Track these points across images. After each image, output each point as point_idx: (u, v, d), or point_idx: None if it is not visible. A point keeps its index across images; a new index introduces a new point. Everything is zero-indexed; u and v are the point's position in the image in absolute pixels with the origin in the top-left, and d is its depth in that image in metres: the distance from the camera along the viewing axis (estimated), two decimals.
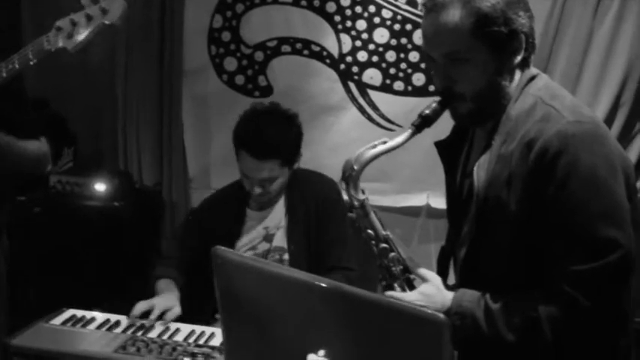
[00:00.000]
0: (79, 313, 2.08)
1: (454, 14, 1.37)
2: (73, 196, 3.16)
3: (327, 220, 2.33)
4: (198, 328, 2.04)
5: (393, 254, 1.53)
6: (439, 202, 3.07)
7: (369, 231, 1.54)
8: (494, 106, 1.46)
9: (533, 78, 1.48)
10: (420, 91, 3.13)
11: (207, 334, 2.01)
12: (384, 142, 1.49)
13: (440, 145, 1.64)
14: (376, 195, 3.15)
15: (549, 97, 1.43)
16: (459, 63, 1.41)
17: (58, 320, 2.03)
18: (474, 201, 1.45)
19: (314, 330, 1.15)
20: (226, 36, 3.27)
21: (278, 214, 2.38)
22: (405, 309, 1.00)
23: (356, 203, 1.53)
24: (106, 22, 1.76)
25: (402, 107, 3.15)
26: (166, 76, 3.30)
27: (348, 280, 2.20)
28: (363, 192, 1.53)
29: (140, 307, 2.10)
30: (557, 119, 1.36)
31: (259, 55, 3.26)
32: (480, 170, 1.44)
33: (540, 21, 2.84)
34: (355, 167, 1.49)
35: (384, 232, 1.54)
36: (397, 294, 1.51)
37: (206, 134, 3.40)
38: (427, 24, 1.43)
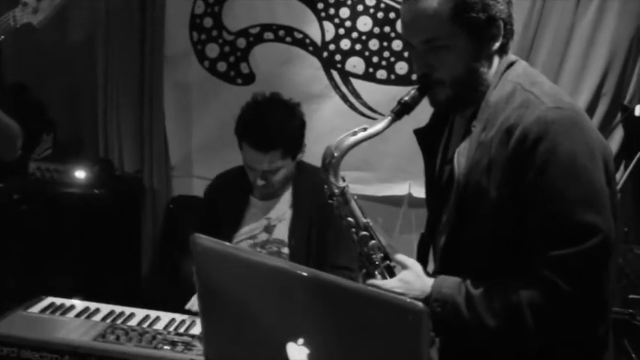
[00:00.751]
0: (58, 301, 2.06)
1: (432, 1, 1.37)
2: (53, 183, 3.14)
3: (331, 219, 2.31)
4: (179, 317, 2.03)
5: (373, 242, 1.53)
6: (421, 192, 3.04)
7: (350, 219, 1.53)
8: (472, 92, 1.46)
9: (511, 64, 1.48)
10: (403, 80, 3.13)
11: (188, 322, 2.00)
12: (364, 129, 1.48)
13: (419, 133, 1.65)
14: (358, 184, 3.16)
15: (529, 83, 1.43)
16: (438, 49, 1.41)
17: (36, 308, 2.01)
18: (454, 188, 1.45)
19: (293, 318, 1.15)
20: (208, 22, 3.24)
21: (282, 207, 2.36)
22: (383, 298, 1.00)
23: (336, 191, 1.52)
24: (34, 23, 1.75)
25: (384, 96, 3.14)
26: (147, 62, 3.27)
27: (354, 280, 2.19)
28: (344, 179, 1.53)
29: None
30: (537, 105, 1.36)
31: (241, 42, 3.24)
32: (461, 157, 1.44)
33: (523, 12, 2.84)
34: (335, 154, 1.48)
35: (364, 220, 1.53)
36: (377, 281, 1.51)
37: (188, 121, 3.38)
38: (406, 10, 1.43)
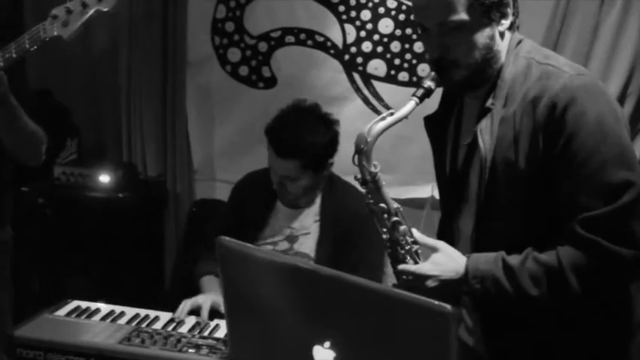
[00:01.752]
0: (84, 304, 2.08)
1: None
2: (77, 187, 3.16)
3: (356, 236, 2.24)
4: (203, 320, 2.03)
5: (403, 227, 1.53)
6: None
7: (382, 204, 1.52)
8: (487, 70, 1.50)
9: (520, 42, 1.52)
10: None
11: (212, 325, 2.01)
12: (392, 114, 1.49)
13: (428, 120, 1.67)
14: None
15: (542, 57, 1.48)
16: (453, 30, 1.43)
17: (62, 311, 2.03)
18: (483, 165, 1.47)
19: (320, 321, 1.14)
20: (230, 26, 3.25)
21: (309, 219, 2.32)
22: (411, 300, 0.99)
23: (368, 177, 1.52)
24: (102, 10, 1.75)
25: (406, 98, 3.10)
26: (170, 66, 3.28)
27: None
28: (375, 166, 1.52)
29: (186, 307, 2.09)
30: (559, 75, 1.41)
31: (263, 46, 3.24)
32: (484, 135, 1.47)
33: (546, 13, 2.82)
34: (368, 140, 1.48)
35: (395, 206, 1.53)
36: (409, 266, 1.50)
37: (210, 125, 3.39)
38: None
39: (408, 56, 3.10)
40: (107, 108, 3.52)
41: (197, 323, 2.02)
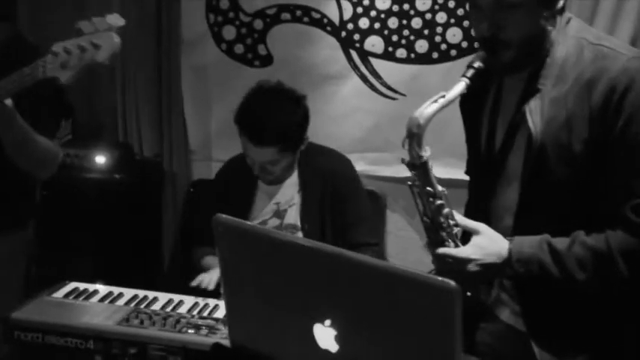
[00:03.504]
0: (82, 285, 2.06)
1: None
2: (73, 168, 3.13)
3: (345, 199, 2.29)
4: (202, 300, 2.02)
5: (446, 210, 1.50)
6: (442, 172, 2.99)
7: (429, 188, 1.49)
8: (539, 52, 1.46)
9: (569, 20, 1.48)
10: (422, 59, 3.07)
11: (212, 305, 1.99)
12: (443, 96, 1.45)
13: (462, 99, 1.60)
14: (379, 165, 3.14)
15: (594, 37, 1.45)
16: (508, 9, 1.39)
17: (60, 293, 2.01)
18: (532, 145, 1.44)
19: (320, 299, 1.13)
20: (224, 4, 3.21)
21: (290, 190, 2.34)
22: (414, 276, 0.97)
23: (417, 162, 1.48)
24: (97, 60, 1.71)
25: (404, 75, 3.10)
26: (164, 45, 3.25)
27: (377, 255, 2.17)
28: (426, 150, 1.48)
29: (213, 278, 2.13)
30: (616, 57, 1.39)
31: (258, 23, 3.20)
32: (534, 115, 1.44)
33: None
34: (421, 122, 1.43)
35: (440, 189, 1.50)
36: (450, 250, 1.49)
37: (206, 104, 3.35)
38: None
39: (405, 32, 3.06)
40: (102, 88, 3.48)
41: (196, 303, 2.00)
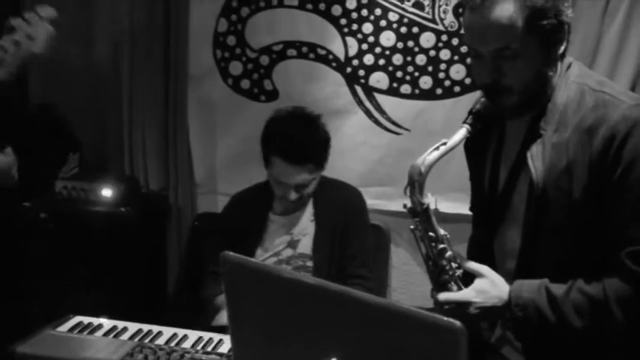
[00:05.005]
0: (86, 319, 2.06)
1: (508, 9, 1.37)
2: (80, 201, 3.15)
3: (353, 230, 2.32)
4: (206, 335, 2.01)
5: (449, 253, 1.53)
6: (447, 207, 3.04)
7: (431, 233, 1.53)
8: (540, 97, 1.48)
9: (569, 65, 1.50)
10: (426, 95, 3.11)
11: (216, 340, 1.98)
12: (444, 144, 1.48)
13: (467, 141, 1.62)
14: (383, 199, 3.15)
15: (595, 83, 1.46)
16: (510, 57, 1.40)
17: (64, 327, 2.01)
18: (534, 190, 1.45)
19: (325, 337, 1.13)
20: (231, 40, 3.26)
21: (304, 221, 2.36)
22: (419, 316, 0.97)
23: (419, 209, 1.52)
24: (34, 51, 1.73)
25: (409, 110, 3.13)
26: (172, 80, 3.29)
27: (366, 290, 2.18)
28: (428, 196, 1.53)
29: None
30: (617, 104, 1.40)
31: (265, 59, 3.24)
32: (535, 160, 1.46)
33: None
34: (422, 170, 1.47)
35: (442, 233, 1.53)
36: (451, 294, 1.51)
37: (212, 138, 3.38)
38: (476, 18, 1.41)
39: (410, 69, 3.10)
40: (109, 122, 3.51)
41: (200, 338, 2.00)
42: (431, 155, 1.47)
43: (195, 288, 2.46)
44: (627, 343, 1.47)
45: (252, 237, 2.35)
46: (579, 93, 1.45)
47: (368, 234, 2.39)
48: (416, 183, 1.49)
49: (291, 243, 2.35)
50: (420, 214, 1.52)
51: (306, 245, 2.34)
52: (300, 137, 2.18)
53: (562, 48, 1.45)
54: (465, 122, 1.48)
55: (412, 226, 1.55)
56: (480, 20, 1.39)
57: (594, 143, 1.38)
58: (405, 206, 1.53)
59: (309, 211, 2.37)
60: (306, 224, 2.35)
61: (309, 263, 2.32)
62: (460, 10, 1.51)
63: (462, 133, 1.48)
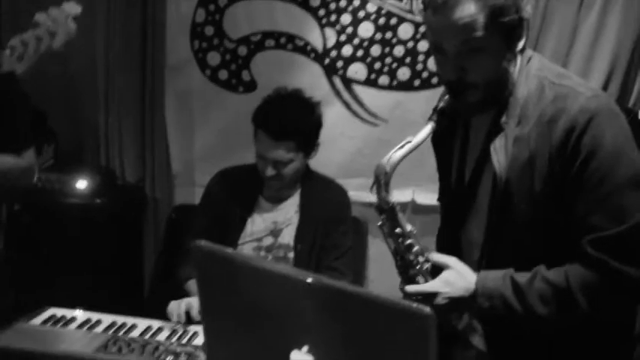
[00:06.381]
0: (60, 312, 2.04)
1: (469, 8, 1.38)
2: (55, 193, 3.11)
3: (334, 224, 2.36)
4: (181, 327, 2.01)
5: (416, 248, 1.56)
6: (424, 198, 3.06)
7: (397, 230, 1.56)
8: (502, 92, 1.50)
9: (529, 59, 1.52)
10: (405, 86, 3.11)
11: (190, 332, 1.98)
12: (409, 142, 1.51)
13: (434, 134, 1.64)
14: (361, 191, 3.14)
15: (555, 76, 1.48)
16: (473, 53, 1.42)
17: (38, 320, 1.99)
18: (497, 183, 1.48)
19: (297, 325, 1.13)
20: (209, 30, 3.23)
21: (289, 210, 2.37)
22: (389, 303, 0.97)
23: (385, 207, 1.55)
24: (53, 47, 1.72)
25: (387, 102, 3.13)
26: (149, 71, 3.25)
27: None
28: (393, 194, 1.56)
29: (176, 308, 2.07)
30: (575, 96, 1.42)
31: (243, 50, 3.22)
32: (498, 154, 1.48)
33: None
34: (387, 170, 1.51)
35: (409, 229, 1.57)
36: (418, 286, 1.54)
37: (189, 129, 3.35)
38: (439, 19, 1.42)
39: (388, 60, 3.10)
40: (85, 113, 3.47)
41: (174, 331, 1.99)
42: (396, 154, 1.50)
43: (173, 280, 2.44)
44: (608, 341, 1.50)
45: (239, 218, 2.35)
46: (540, 86, 1.47)
47: (349, 232, 2.41)
48: (382, 181, 1.52)
49: (274, 232, 2.36)
50: (386, 211, 1.55)
51: (288, 235, 2.35)
52: (284, 113, 2.23)
53: (522, 43, 1.47)
54: (429, 119, 1.51)
55: (379, 223, 1.58)
56: (442, 20, 1.41)
57: (554, 135, 1.40)
58: (371, 204, 1.57)
59: (294, 200, 2.38)
60: (290, 214, 2.37)
61: (291, 254, 2.33)
62: (421, 7, 1.52)
63: (426, 130, 1.51)
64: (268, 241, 2.35)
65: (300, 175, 2.35)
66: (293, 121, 2.22)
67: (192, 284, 2.26)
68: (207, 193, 2.47)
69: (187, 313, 2.06)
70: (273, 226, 2.36)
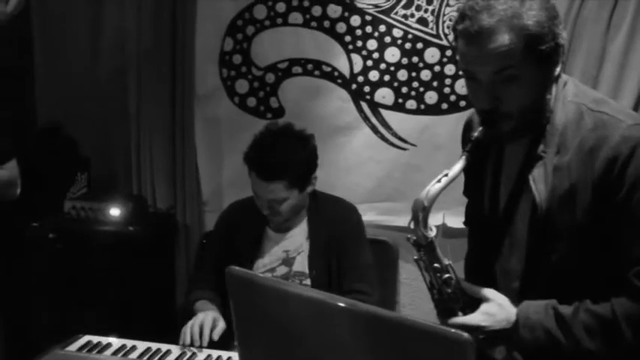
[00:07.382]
0: (95, 339, 2.06)
1: (504, 39, 1.35)
2: (88, 221, 3.16)
3: (348, 243, 2.32)
4: (215, 353, 2.01)
5: (454, 282, 1.53)
6: (455, 222, 3.03)
7: (436, 264, 1.52)
8: (538, 120, 1.47)
9: (565, 84, 1.50)
10: (432, 110, 3.12)
11: (224, 358, 1.98)
12: (446, 175, 1.48)
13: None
14: (390, 215, 3.15)
15: (593, 102, 1.46)
16: (508, 82, 1.39)
17: (73, 347, 2.01)
18: (537, 213, 1.45)
19: (333, 351, 1.13)
20: (237, 59, 3.28)
21: (299, 238, 2.36)
22: (427, 328, 0.97)
23: (423, 242, 1.51)
24: (6, 12, 1.75)
25: (414, 126, 3.13)
26: (178, 99, 3.30)
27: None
28: (431, 229, 1.52)
29: (194, 329, 2.07)
30: (616, 124, 1.39)
31: (270, 77, 3.26)
32: (538, 183, 1.46)
33: None
34: (425, 204, 1.47)
35: (446, 262, 1.53)
36: (459, 318, 1.50)
37: (219, 156, 3.39)
38: (472, 50, 1.39)
39: (415, 84, 3.11)
40: (116, 141, 3.53)
41: (209, 356, 1.99)
42: (433, 188, 1.47)
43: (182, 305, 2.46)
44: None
45: (250, 249, 2.35)
46: (578, 113, 1.44)
47: (365, 248, 2.37)
48: (420, 217, 1.48)
49: (286, 260, 2.35)
50: (424, 247, 1.51)
51: (301, 263, 2.34)
52: (273, 154, 2.20)
53: (558, 70, 1.45)
54: (465, 151, 1.48)
55: (416, 257, 1.54)
56: (477, 50, 1.38)
57: (596, 165, 1.38)
58: (408, 239, 1.51)
59: (303, 227, 2.37)
60: (300, 242, 2.36)
61: (307, 282, 2.32)
62: (452, 35, 1.49)
63: (462, 162, 1.47)
64: (282, 270, 2.35)
65: (300, 208, 2.33)
66: (282, 161, 2.18)
67: (200, 304, 2.27)
68: (219, 224, 2.50)
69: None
70: (285, 255, 2.35)
